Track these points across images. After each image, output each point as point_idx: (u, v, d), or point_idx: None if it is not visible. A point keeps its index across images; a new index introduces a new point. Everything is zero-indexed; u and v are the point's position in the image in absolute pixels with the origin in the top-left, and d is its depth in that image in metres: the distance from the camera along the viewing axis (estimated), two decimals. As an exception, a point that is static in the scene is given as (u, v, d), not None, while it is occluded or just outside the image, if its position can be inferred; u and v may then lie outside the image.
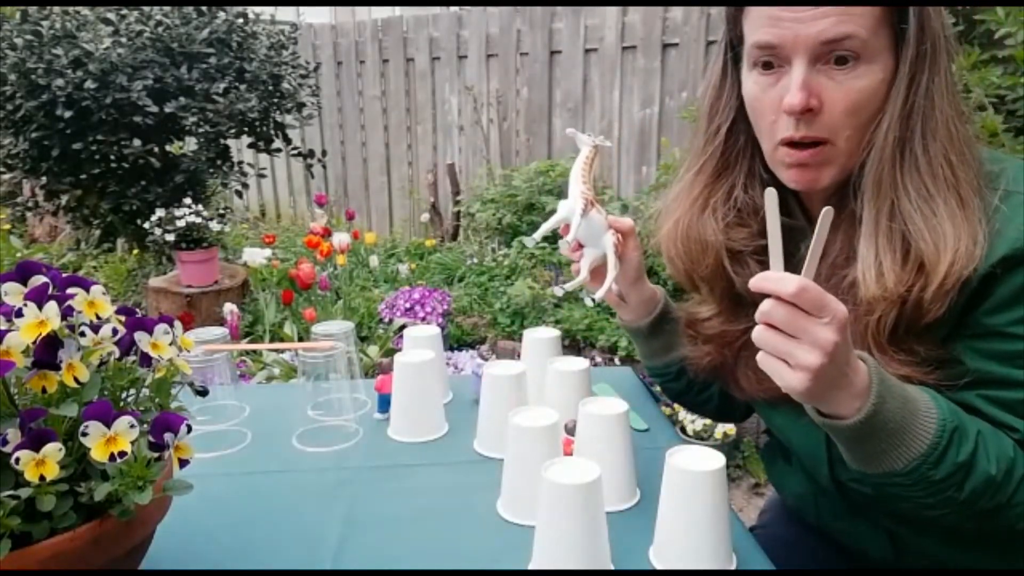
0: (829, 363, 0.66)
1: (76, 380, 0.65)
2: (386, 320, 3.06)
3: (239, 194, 4.00)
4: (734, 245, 0.91)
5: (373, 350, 2.85)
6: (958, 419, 0.74)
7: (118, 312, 0.73)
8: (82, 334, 0.67)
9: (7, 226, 4.77)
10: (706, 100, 0.93)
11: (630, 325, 1.11)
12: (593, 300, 1.01)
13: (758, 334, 0.70)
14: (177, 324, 0.75)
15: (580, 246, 1.00)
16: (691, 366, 1.00)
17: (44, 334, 0.64)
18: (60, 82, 3.05)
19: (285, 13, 4.43)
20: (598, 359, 2.82)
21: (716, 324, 0.95)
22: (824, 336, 0.66)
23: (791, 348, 0.67)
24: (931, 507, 0.76)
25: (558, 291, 1.05)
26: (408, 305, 3.03)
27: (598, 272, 1.01)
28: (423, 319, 2.96)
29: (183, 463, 0.72)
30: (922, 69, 0.77)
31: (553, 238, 3.78)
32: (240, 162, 3.99)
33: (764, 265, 0.81)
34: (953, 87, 0.79)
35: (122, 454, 0.63)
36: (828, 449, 0.90)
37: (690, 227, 0.94)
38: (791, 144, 0.82)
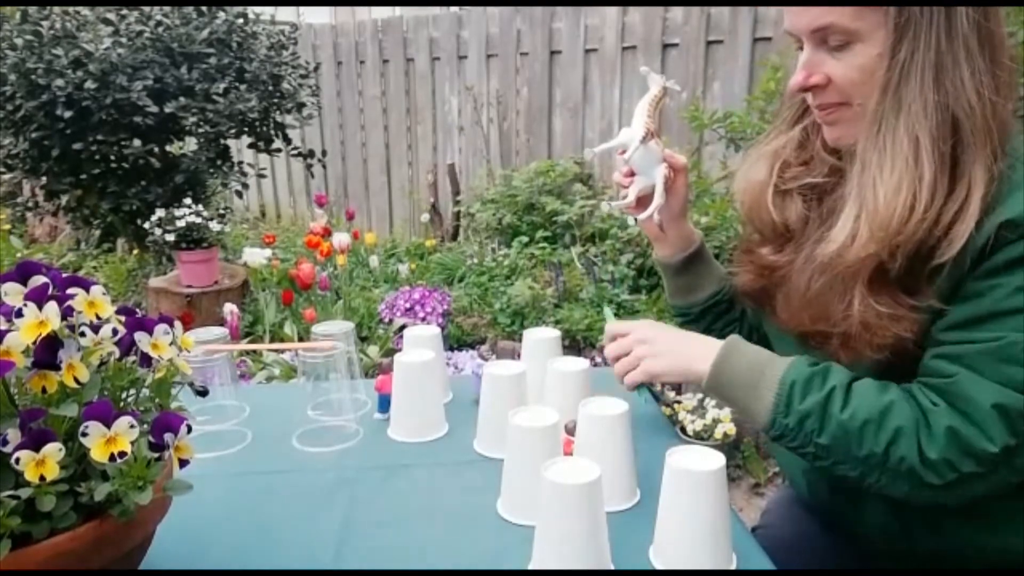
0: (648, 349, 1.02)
1: (76, 380, 0.65)
2: (386, 320, 3.06)
3: (239, 194, 4.00)
4: (784, 183, 1.00)
5: (373, 350, 2.85)
6: (804, 374, 0.88)
7: (118, 312, 0.73)
8: (82, 334, 0.67)
9: (7, 226, 4.77)
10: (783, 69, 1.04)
11: (663, 260, 1.19)
12: (639, 220, 1.13)
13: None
14: (177, 324, 0.75)
15: (632, 174, 1.08)
16: (737, 288, 1.11)
17: (44, 334, 0.64)
18: (60, 82, 3.05)
19: (285, 13, 4.44)
20: (598, 359, 2.82)
21: (766, 254, 1.03)
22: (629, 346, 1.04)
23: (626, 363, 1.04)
24: (815, 456, 0.88)
25: (606, 207, 1.17)
26: (408, 305, 3.03)
27: (644, 200, 1.09)
28: (423, 319, 2.96)
29: (183, 463, 0.72)
30: (899, 46, 0.81)
31: (553, 237, 3.78)
32: (240, 162, 3.99)
33: (807, 201, 0.98)
34: (949, 57, 0.81)
35: (122, 454, 0.63)
36: None
37: (751, 168, 1.04)
38: (819, 107, 0.92)
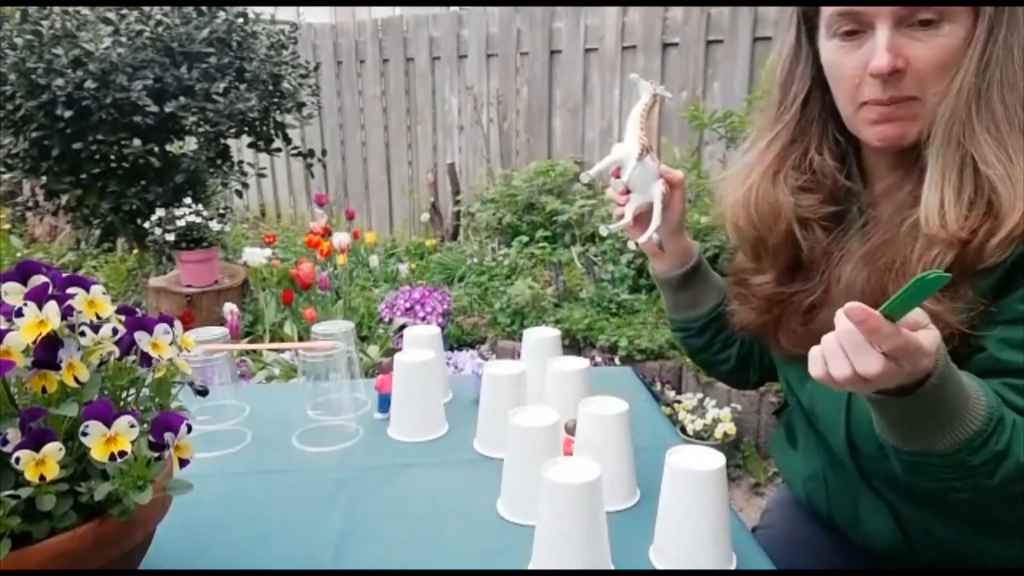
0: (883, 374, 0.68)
1: (76, 380, 0.65)
2: (386, 320, 3.06)
3: (239, 194, 4.00)
4: (803, 212, 0.93)
5: (373, 350, 2.85)
6: (1002, 409, 0.75)
7: (118, 312, 0.73)
8: (82, 334, 0.67)
9: (7, 226, 4.77)
10: (780, 73, 0.96)
11: (662, 275, 1.13)
12: (637, 244, 1.05)
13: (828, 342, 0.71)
14: (177, 324, 0.75)
15: (628, 191, 1.02)
16: (733, 321, 1.04)
17: (44, 334, 0.64)
18: (60, 82, 3.04)
19: (285, 13, 4.43)
20: (598, 359, 2.82)
21: (770, 286, 0.97)
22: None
23: (846, 360, 0.69)
24: (958, 489, 0.77)
25: (603, 230, 1.06)
26: (408, 305, 3.03)
27: (641, 218, 1.03)
28: (423, 319, 2.96)
29: (183, 463, 0.72)
30: (1000, 23, 0.79)
31: (553, 237, 3.78)
32: (240, 162, 3.99)
33: (829, 232, 0.91)
34: None
35: (122, 454, 0.63)
36: (848, 411, 0.92)
37: (764, 194, 0.95)
38: (878, 102, 0.84)
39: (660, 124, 4.00)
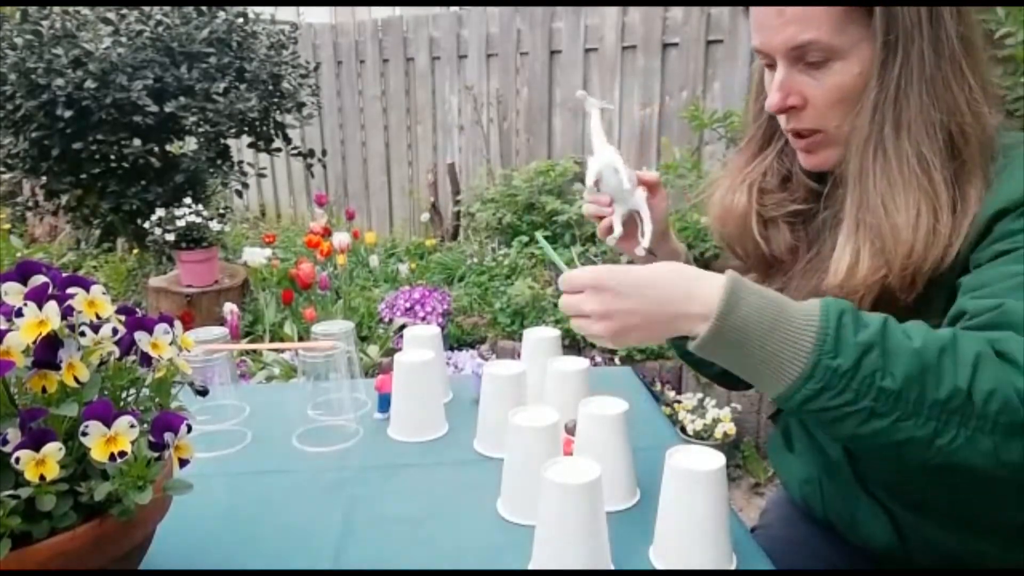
0: (612, 322, 0.75)
1: (76, 380, 0.65)
2: (386, 320, 3.06)
3: (239, 194, 4.00)
4: (766, 211, 0.96)
5: (373, 350, 2.85)
6: (848, 306, 0.68)
7: (118, 312, 0.73)
8: (82, 334, 0.67)
9: (7, 226, 4.77)
10: (754, 81, 0.98)
11: None
12: (639, 253, 1.04)
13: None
14: (177, 324, 0.75)
15: (611, 202, 1.02)
16: None
17: (44, 334, 0.64)
18: (60, 82, 3.04)
19: (285, 13, 4.43)
20: (598, 359, 2.82)
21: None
22: (588, 307, 0.77)
23: (580, 324, 0.79)
24: (872, 413, 0.65)
25: (611, 241, 1.06)
26: (408, 305, 3.03)
27: (628, 228, 1.04)
28: (423, 319, 2.96)
29: (183, 463, 0.72)
30: (891, 62, 0.78)
31: (553, 237, 3.77)
32: (240, 162, 3.99)
33: (795, 229, 0.94)
34: (940, 73, 0.79)
35: (122, 454, 0.63)
36: None
37: (730, 194, 0.99)
38: (789, 131, 0.88)
39: (660, 125, 4.01)
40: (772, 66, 0.85)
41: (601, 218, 1.04)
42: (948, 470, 0.67)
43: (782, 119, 0.88)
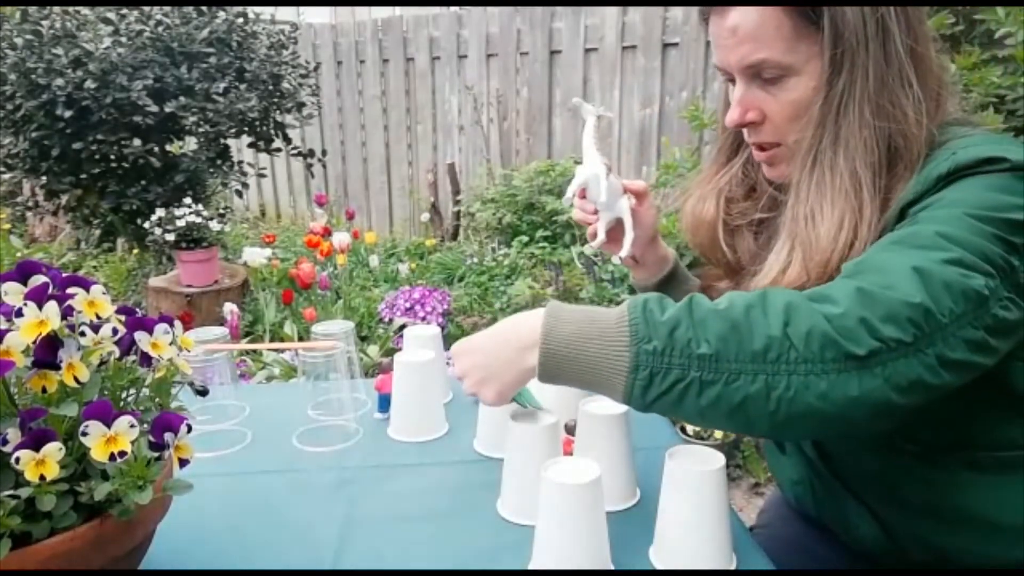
0: (471, 376, 0.81)
1: (76, 380, 0.65)
2: (386, 320, 3.06)
3: (239, 194, 4.00)
4: (732, 220, 0.99)
5: (373, 350, 2.85)
6: (653, 295, 0.71)
7: (118, 312, 0.73)
8: (82, 334, 0.67)
9: (7, 226, 4.77)
10: (722, 96, 0.99)
11: (641, 283, 1.16)
12: (620, 259, 1.08)
13: None
14: (177, 324, 0.75)
15: (597, 210, 1.05)
16: None
17: (44, 334, 0.64)
18: (60, 82, 3.05)
19: (285, 13, 4.43)
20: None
21: (725, 288, 1.01)
22: (457, 371, 0.84)
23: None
24: (703, 384, 0.66)
25: (588, 249, 1.09)
26: (408, 305, 3.03)
27: (614, 235, 1.07)
28: (423, 319, 2.96)
29: (183, 463, 0.72)
30: (835, 78, 0.80)
31: (553, 237, 3.78)
32: (240, 162, 3.99)
33: (759, 237, 0.96)
34: (886, 88, 0.80)
35: (122, 454, 0.63)
36: None
37: (698, 205, 1.02)
38: (756, 146, 0.91)
39: (660, 125, 4.01)
40: (733, 81, 0.87)
41: (590, 223, 1.08)
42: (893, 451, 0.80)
43: (745, 132, 0.90)
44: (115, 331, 0.70)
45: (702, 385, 0.66)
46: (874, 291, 0.66)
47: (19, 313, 0.64)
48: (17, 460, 0.60)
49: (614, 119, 4.09)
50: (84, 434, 0.63)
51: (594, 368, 0.70)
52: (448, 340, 3.07)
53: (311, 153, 4.01)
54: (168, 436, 0.69)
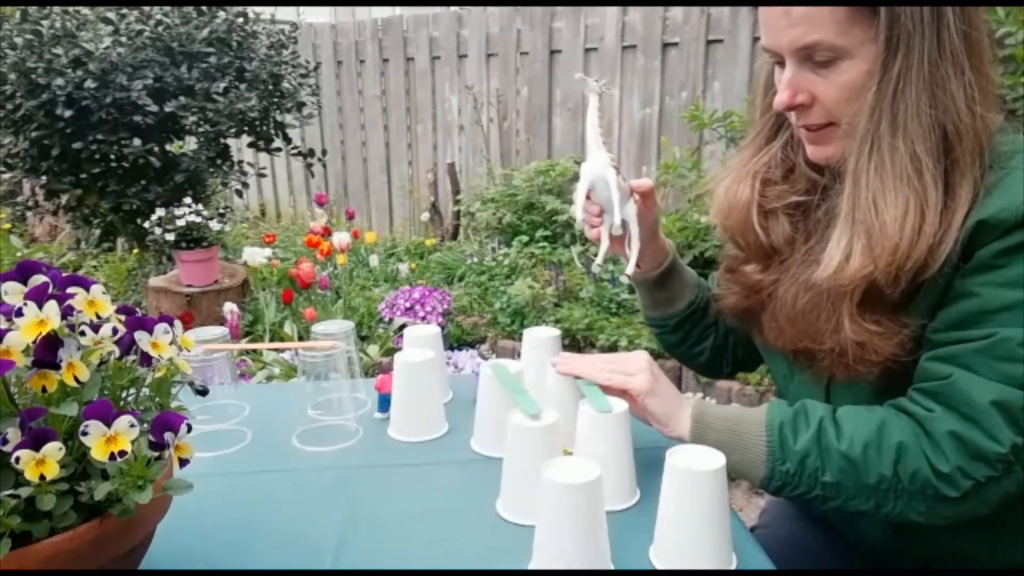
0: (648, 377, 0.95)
1: (76, 379, 0.65)
2: (386, 319, 3.06)
3: (239, 193, 4.00)
4: (768, 203, 0.97)
5: (373, 350, 2.85)
6: (788, 414, 0.87)
7: (118, 311, 0.73)
8: (82, 333, 0.67)
9: (7, 226, 4.77)
10: (762, 76, 0.98)
11: (639, 276, 1.15)
12: (626, 275, 1.08)
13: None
14: (177, 323, 0.75)
15: (601, 212, 1.03)
16: (720, 305, 1.08)
17: (44, 333, 0.64)
18: (60, 81, 3.05)
19: (285, 13, 4.43)
20: (598, 359, 2.82)
21: (752, 273, 1.00)
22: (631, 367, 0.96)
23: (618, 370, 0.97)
24: (824, 499, 0.84)
25: (595, 267, 1.07)
26: (408, 304, 3.02)
27: (617, 237, 1.06)
28: (423, 318, 2.96)
29: (183, 463, 0.72)
30: (891, 61, 0.79)
31: (553, 237, 3.78)
32: (240, 161, 3.99)
33: (794, 220, 0.96)
34: (940, 72, 0.79)
35: (122, 453, 0.63)
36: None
37: (733, 187, 1.01)
38: (800, 125, 0.90)
39: (660, 125, 4.01)
40: (781, 63, 0.86)
41: (594, 225, 1.07)
42: None
43: (792, 115, 0.89)
44: (115, 331, 0.70)
45: (824, 500, 0.84)
46: (963, 435, 0.77)
47: (19, 313, 0.64)
48: (17, 460, 0.60)
49: (614, 119, 4.09)
50: (84, 434, 0.63)
51: (734, 469, 0.86)
52: (448, 340, 3.07)
53: (311, 153, 4.01)
54: (168, 436, 0.69)
